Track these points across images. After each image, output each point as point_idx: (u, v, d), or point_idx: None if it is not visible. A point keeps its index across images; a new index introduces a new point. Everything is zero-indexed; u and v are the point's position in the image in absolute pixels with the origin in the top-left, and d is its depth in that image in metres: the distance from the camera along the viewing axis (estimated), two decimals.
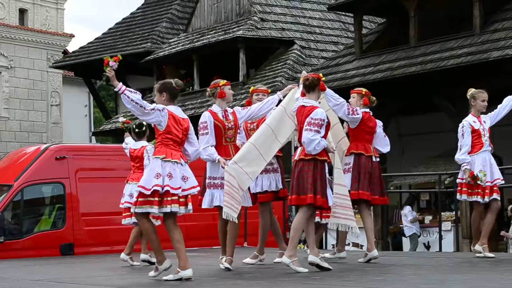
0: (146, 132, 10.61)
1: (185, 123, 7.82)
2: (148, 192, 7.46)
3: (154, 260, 10.12)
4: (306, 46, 24.17)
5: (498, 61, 16.42)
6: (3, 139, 32.14)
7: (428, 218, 19.09)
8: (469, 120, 9.69)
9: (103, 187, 13.32)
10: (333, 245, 15.82)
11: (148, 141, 10.49)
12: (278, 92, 9.03)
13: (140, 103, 7.51)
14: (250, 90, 9.39)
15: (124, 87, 7.51)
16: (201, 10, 26.21)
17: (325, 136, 8.09)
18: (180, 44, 25.69)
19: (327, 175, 8.18)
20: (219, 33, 24.41)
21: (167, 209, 7.49)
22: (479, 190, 9.47)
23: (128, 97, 7.48)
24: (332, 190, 8.34)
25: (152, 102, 27.72)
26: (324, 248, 15.13)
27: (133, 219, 9.95)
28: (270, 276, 8.03)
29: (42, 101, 33.51)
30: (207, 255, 11.41)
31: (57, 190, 13.25)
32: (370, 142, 9.39)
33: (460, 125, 9.71)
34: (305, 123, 7.98)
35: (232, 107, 8.98)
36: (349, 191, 8.83)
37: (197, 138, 8.31)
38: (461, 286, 6.66)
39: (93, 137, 33.47)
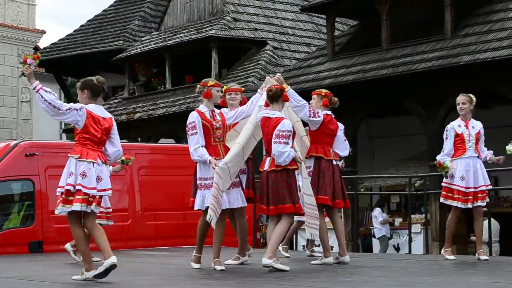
0: None
1: (106, 123, 7.69)
2: (62, 190, 7.49)
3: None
4: (279, 46, 24.21)
5: (469, 65, 16.53)
6: None
7: (398, 221, 19.17)
8: (454, 124, 9.71)
9: None
10: (303, 246, 15.85)
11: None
12: (259, 90, 8.96)
13: (54, 104, 7.43)
14: (223, 89, 9.37)
15: (39, 86, 7.41)
16: (173, 8, 26.16)
17: (292, 145, 8.24)
18: (153, 43, 25.63)
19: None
20: (192, 32, 24.38)
21: (77, 207, 7.45)
22: (460, 196, 9.49)
23: (42, 96, 7.41)
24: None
25: (122, 100, 27.35)
26: (294, 249, 15.14)
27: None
28: (240, 276, 8.03)
29: (12, 97, 33.24)
30: (176, 255, 11.39)
31: (27, 187, 13.13)
32: (330, 145, 9.35)
33: (446, 128, 9.76)
34: (274, 136, 8.15)
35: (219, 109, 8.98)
36: None
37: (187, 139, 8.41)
38: None
39: (64, 134, 33.29)
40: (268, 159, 8.33)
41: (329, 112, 9.40)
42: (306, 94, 8.53)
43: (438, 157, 9.73)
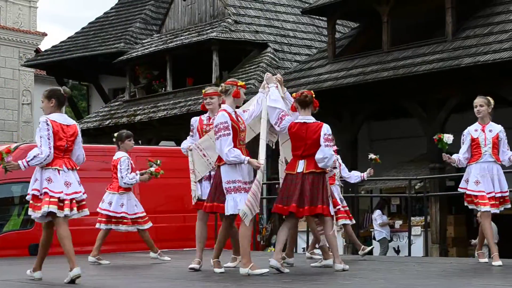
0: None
1: (70, 130, 7.91)
2: (30, 197, 7.79)
3: (164, 259, 10.32)
4: (280, 49, 24.21)
5: (470, 68, 16.52)
6: None
7: (398, 223, 19.16)
8: (471, 128, 9.47)
9: None
10: (303, 248, 15.85)
11: None
12: (260, 89, 8.85)
13: (43, 160, 7.72)
14: (203, 93, 9.18)
15: (26, 163, 7.74)
16: (175, 11, 26.17)
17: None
18: (154, 45, 25.63)
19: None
20: (193, 35, 24.38)
21: (45, 209, 7.64)
22: (484, 201, 9.17)
23: (34, 164, 7.75)
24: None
25: (123, 102, 27.27)
26: (294, 251, 15.11)
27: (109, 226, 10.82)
28: (239, 278, 8.03)
29: (13, 99, 33.28)
30: (176, 257, 11.39)
31: (27, 189, 13.10)
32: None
33: (463, 133, 9.52)
34: (323, 139, 8.31)
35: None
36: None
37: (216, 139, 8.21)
38: None
39: None
40: (301, 161, 8.38)
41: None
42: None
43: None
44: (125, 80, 26.51)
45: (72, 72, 30.09)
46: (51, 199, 7.64)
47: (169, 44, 24.73)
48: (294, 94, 8.87)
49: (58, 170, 7.73)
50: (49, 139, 7.73)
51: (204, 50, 23.50)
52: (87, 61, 28.30)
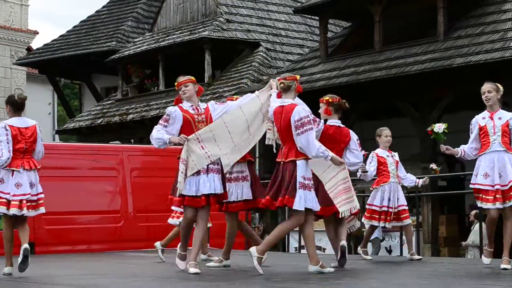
0: None
1: (28, 131, 8.44)
2: None
3: (213, 259, 10.28)
4: (272, 48, 24.21)
5: (462, 68, 16.55)
6: None
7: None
8: (479, 116, 8.64)
9: (65, 186, 13.20)
10: (295, 248, 15.85)
11: None
12: (256, 92, 8.62)
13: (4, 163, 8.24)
14: (176, 84, 8.59)
15: None
16: (167, 9, 26.15)
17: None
18: (146, 44, 25.61)
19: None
20: (185, 33, 24.37)
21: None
22: (488, 197, 8.30)
23: None
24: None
25: (115, 101, 27.24)
26: (286, 250, 15.16)
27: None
28: (231, 278, 8.03)
29: (5, 98, 33.21)
30: (169, 256, 11.37)
31: None
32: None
33: (471, 122, 8.76)
34: (357, 144, 9.03)
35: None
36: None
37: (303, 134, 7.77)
38: None
39: (57, 136, 33.23)
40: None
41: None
42: (299, 96, 8.37)
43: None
44: (117, 78, 26.49)
45: (64, 70, 30.03)
46: (1, 200, 8.18)
47: (161, 43, 24.71)
48: (327, 98, 8.96)
49: (13, 171, 8.19)
50: (8, 143, 8.24)
51: (196, 49, 23.49)
52: (79, 60, 28.25)
